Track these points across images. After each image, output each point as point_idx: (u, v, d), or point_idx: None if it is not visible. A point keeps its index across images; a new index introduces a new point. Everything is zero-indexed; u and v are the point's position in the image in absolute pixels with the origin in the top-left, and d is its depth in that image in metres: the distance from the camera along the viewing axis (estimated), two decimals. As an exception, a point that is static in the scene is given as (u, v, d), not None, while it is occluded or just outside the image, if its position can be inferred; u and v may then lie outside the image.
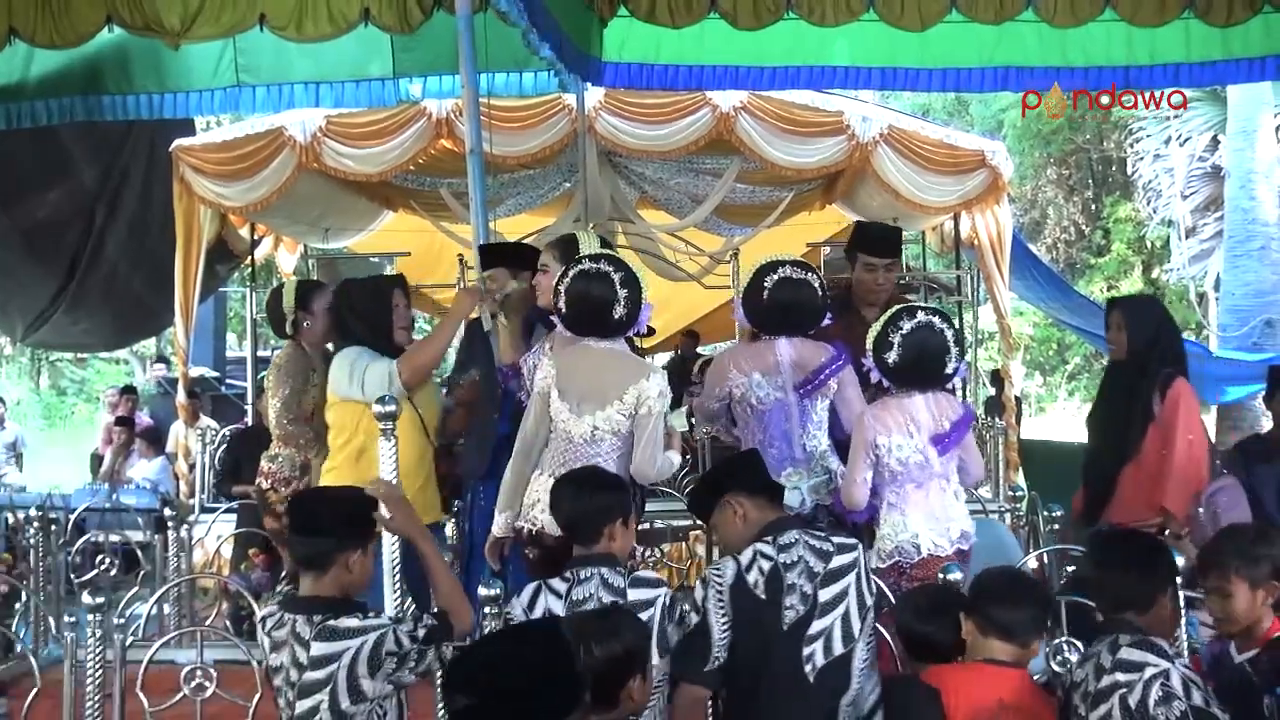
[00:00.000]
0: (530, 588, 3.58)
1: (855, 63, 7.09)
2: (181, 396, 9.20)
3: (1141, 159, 20.30)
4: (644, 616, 3.41)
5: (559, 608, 3.48)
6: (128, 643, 4.05)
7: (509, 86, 7.40)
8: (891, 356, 4.29)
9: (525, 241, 6.64)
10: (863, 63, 7.09)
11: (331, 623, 3.10)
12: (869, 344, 4.39)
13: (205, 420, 10.07)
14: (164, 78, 7.36)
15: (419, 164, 9.01)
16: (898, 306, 4.46)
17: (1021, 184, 23.92)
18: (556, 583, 3.54)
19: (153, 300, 9.90)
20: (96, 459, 12.40)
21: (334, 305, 5.36)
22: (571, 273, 4.19)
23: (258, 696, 3.93)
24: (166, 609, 6.42)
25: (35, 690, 3.96)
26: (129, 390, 13.44)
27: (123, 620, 4.14)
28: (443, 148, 8.76)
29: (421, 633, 3.14)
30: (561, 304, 4.20)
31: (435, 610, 3.33)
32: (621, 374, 4.19)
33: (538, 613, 3.49)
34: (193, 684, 3.97)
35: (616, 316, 4.17)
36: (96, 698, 3.66)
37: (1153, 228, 21.28)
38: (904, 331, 4.28)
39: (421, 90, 7.62)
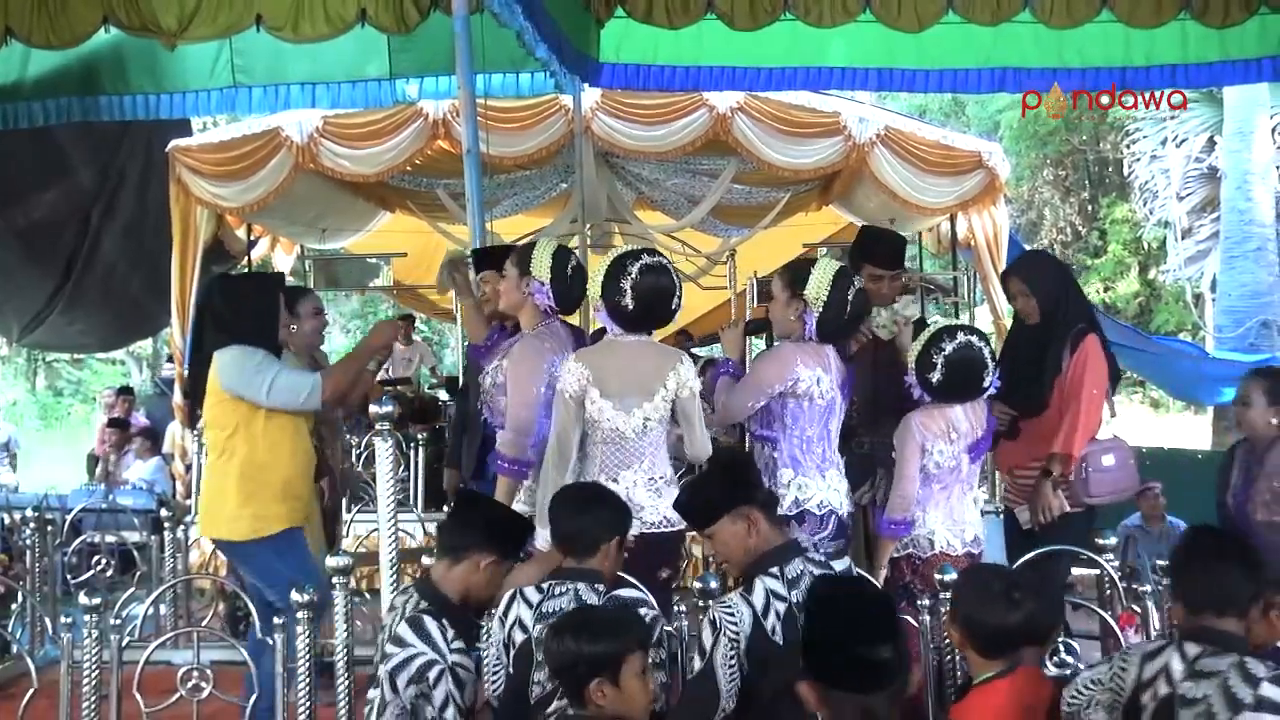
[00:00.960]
0: (507, 595, 3.55)
1: (852, 64, 7.10)
2: (178, 397, 9.17)
3: (1138, 160, 20.33)
4: None
5: (528, 617, 3.45)
6: (124, 643, 4.04)
7: (505, 87, 7.40)
8: (935, 376, 4.39)
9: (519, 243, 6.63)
10: (859, 64, 7.09)
11: (421, 618, 3.29)
12: (911, 362, 4.47)
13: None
14: (161, 78, 7.37)
15: (416, 165, 9.01)
16: (939, 326, 4.50)
17: (1018, 185, 23.94)
18: (531, 591, 3.51)
19: (149, 301, 9.90)
20: (93, 460, 12.40)
21: (212, 300, 5.06)
22: (634, 268, 4.16)
23: (254, 697, 3.93)
24: (163, 610, 6.42)
25: (32, 691, 3.96)
26: (125, 391, 13.43)
27: (119, 621, 4.14)
28: (439, 148, 8.77)
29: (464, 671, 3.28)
30: (628, 300, 4.15)
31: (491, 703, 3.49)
32: (658, 363, 4.22)
33: (510, 619, 3.47)
34: (189, 685, 3.97)
35: (674, 307, 4.27)
36: (93, 698, 3.66)
37: (1149, 229, 21.32)
38: (947, 353, 4.37)
39: (418, 91, 7.62)
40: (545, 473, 4.23)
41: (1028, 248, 14.81)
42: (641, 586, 3.67)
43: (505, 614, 3.50)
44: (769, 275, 10.62)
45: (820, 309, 4.38)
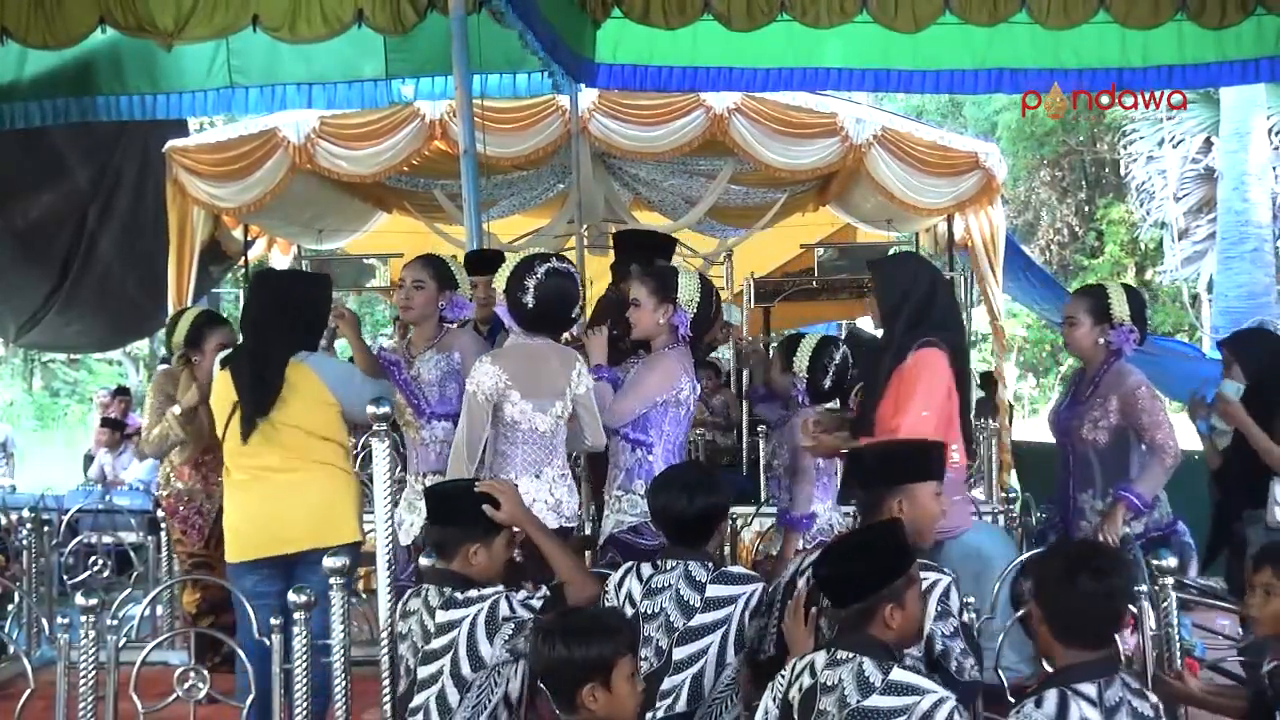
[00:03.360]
0: (624, 568, 3.70)
1: (849, 64, 7.11)
2: (175, 397, 9.17)
3: (1135, 161, 20.37)
4: (723, 613, 3.46)
5: (638, 592, 3.57)
6: (121, 644, 4.03)
7: (502, 88, 7.41)
8: (826, 382, 5.07)
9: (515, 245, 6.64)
10: (856, 64, 7.11)
11: (457, 594, 3.28)
12: (802, 370, 5.05)
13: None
14: (157, 79, 7.37)
15: (413, 165, 9.00)
16: (819, 338, 5.10)
17: (1015, 186, 23.96)
18: (646, 567, 3.62)
19: (146, 301, 9.89)
20: (89, 460, 12.38)
21: (294, 298, 4.68)
22: (542, 269, 4.25)
23: (250, 698, 3.92)
24: (159, 610, 6.41)
25: (29, 692, 3.94)
26: (122, 391, 13.41)
27: (116, 621, 4.14)
28: (436, 149, 8.76)
29: (537, 603, 3.26)
30: (529, 299, 4.24)
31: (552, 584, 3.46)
32: (562, 362, 4.37)
33: (623, 592, 3.59)
34: (186, 685, 3.96)
35: (574, 315, 4.46)
36: (90, 699, 3.65)
37: (1146, 229, 21.34)
38: (836, 361, 5.04)
39: (414, 92, 7.62)
40: (449, 473, 4.34)
41: (1025, 249, 14.84)
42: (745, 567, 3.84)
43: (619, 587, 3.62)
44: (767, 276, 10.66)
45: (694, 311, 4.54)
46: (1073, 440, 4.89)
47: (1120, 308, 4.76)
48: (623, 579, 3.63)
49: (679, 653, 3.47)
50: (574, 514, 4.44)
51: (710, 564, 3.58)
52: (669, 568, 3.56)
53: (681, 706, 3.44)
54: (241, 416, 4.43)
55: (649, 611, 3.51)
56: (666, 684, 3.45)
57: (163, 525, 6.57)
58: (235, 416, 4.47)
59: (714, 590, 3.50)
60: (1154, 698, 2.97)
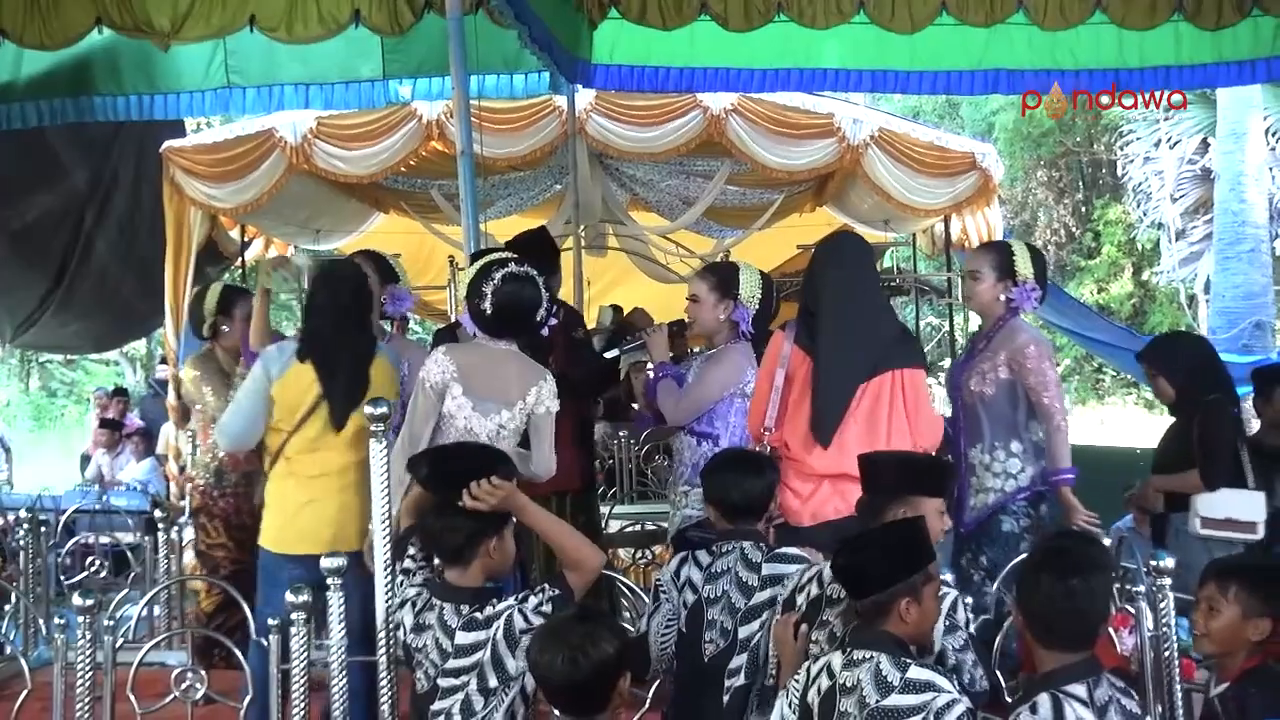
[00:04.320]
0: (678, 557, 3.75)
1: (846, 65, 7.10)
2: (172, 398, 9.17)
3: (1131, 161, 20.37)
4: (777, 590, 3.52)
5: (699, 578, 3.64)
6: (118, 645, 4.04)
7: (499, 88, 7.40)
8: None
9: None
10: (853, 65, 7.10)
11: (476, 614, 3.26)
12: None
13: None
14: (154, 79, 7.35)
15: (410, 166, 9.01)
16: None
17: (1012, 186, 23.97)
18: (702, 554, 3.69)
19: (142, 302, 9.88)
20: (86, 460, 12.37)
21: (364, 285, 4.65)
22: (499, 275, 4.14)
23: (247, 698, 3.92)
24: (157, 611, 6.40)
25: (25, 692, 3.94)
26: (120, 392, 13.40)
27: (113, 622, 4.13)
28: (433, 149, 8.77)
29: (548, 607, 3.24)
30: (487, 305, 4.14)
31: (552, 576, 3.43)
32: (522, 374, 4.21)
33: (682, 579, 3.68)
34: (183, 686, 3.96)
35: (539, 319, 4.25)
36: (86, 700, 3.64)
37: (1143, 230, 21.34)
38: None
39: (411, 92, 7.62)
40: (393, 466, 4.05)
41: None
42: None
43: (677, 575, 3.69)
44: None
45: (756, 308, 4.67)
46: (962, 394, 4.91)
47: (1024, 265, 4.78)
48: (679, 568, 3.71)
49: (743, 631, 3.57)
50: None
51: (764, 545, 3.69)
52: (725, 551, 3.66)
53: (741, 680, 3.54)
54: (332, 409, 4.34)
55: (711, 596, 3.62)
56: (734, 662, 3.55)
57: (160, 526, 6.55)
58: (319, 409, 4.37)
59: (769, 569, 3.59)
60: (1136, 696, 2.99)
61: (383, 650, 3.60)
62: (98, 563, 6.58)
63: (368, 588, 3.74)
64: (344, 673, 3.65)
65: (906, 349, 4.30)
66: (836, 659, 2.94)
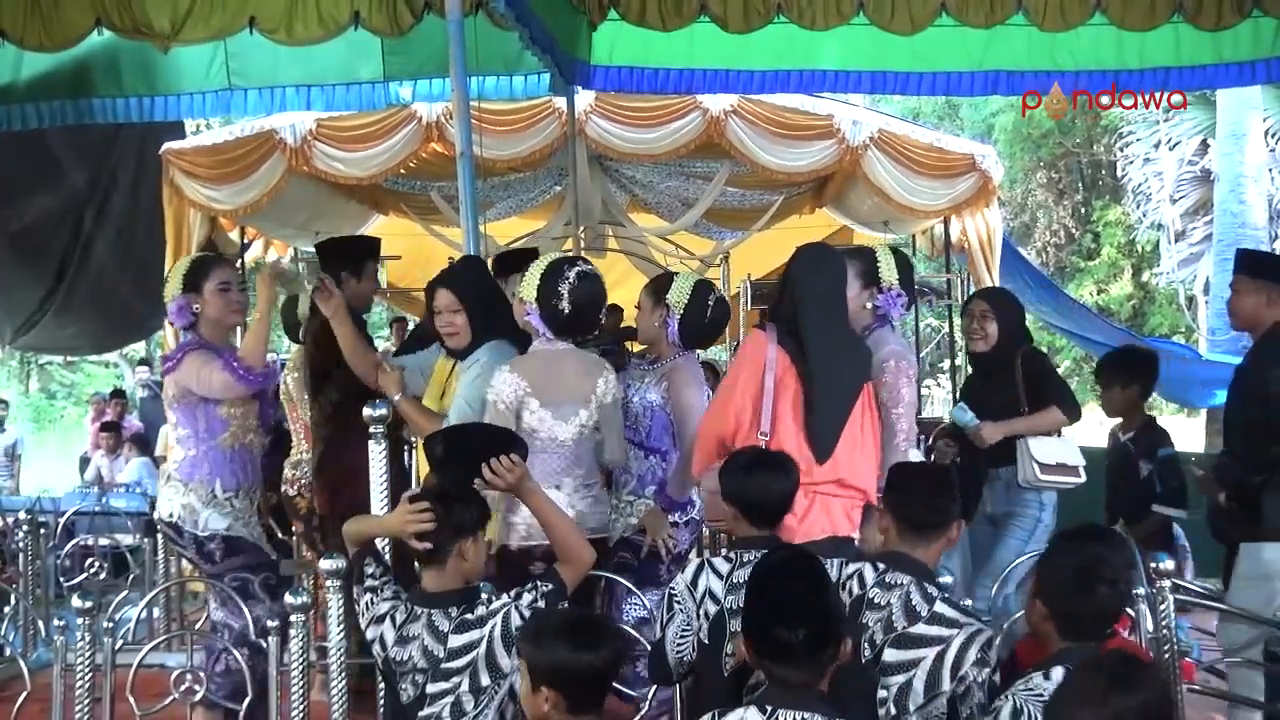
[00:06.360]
0: (694, 565, 3.65)
1: (845, 66, 7.10)
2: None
3: (1131, 163, 20.38)
4: None
5: (719, 588, 3.51)
6: (117, 646, 4.04)
7: (499, 90, 7.40)
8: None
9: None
10: (853, 66, 7.09)
11: (467, 616, 3.24)
12: None
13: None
14: (154, 80, 7.35)
15: (409, 167, 9.01)
16: None
17: (1011, 188, 23.97)
18: (719, 562, 3.58)
19: (142, 303, 9.88)
20: (85, 462, 12.38)
21: (489, 279, 4.76)
22: (573, 274, 4.15)
23: (247, 699, 3.92)
24: (156, 612, 6.40)
25: (25, 694, 3.94)
26: (118, 394, 13.41)
27: (112, 624, 4.12)
28: (433, 151, 8.78)
29: (542, 602, 3.25)
30: (565, 305, 4.13)
31: (545, 571, 3.43)
32: (586, 370, 4.24)
33: (700, 589, 3.54)
34: (182, 688, 3.96)
35: (601, 317, 4.39)
36: (86, 701, 3.65)
37: (1142, 231, 21.35)
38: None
39: (411, 94, 7.62)
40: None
41: (1021, 251, 14.87)
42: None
43: (694, 584, 3.56)
44: (764, 278, 10.67)
45: (680, 313, 4.63)
46: None
47: (889, 272, 4.60)
48: (695, 577, 3.57)
49: None
50: (601, 524, 4.25)
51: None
52: (746, 561, 3.51)
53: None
54: None
55: (733, 607, 3.43)
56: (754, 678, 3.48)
57: (158, 527, 6.51)
58: None
59: None
60: None
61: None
62: (97, 564, 6.57)
63: None
64: (344, 673, 3.65)
65: (869, 357, 4.26)
66: (869, 570, 3.37)
